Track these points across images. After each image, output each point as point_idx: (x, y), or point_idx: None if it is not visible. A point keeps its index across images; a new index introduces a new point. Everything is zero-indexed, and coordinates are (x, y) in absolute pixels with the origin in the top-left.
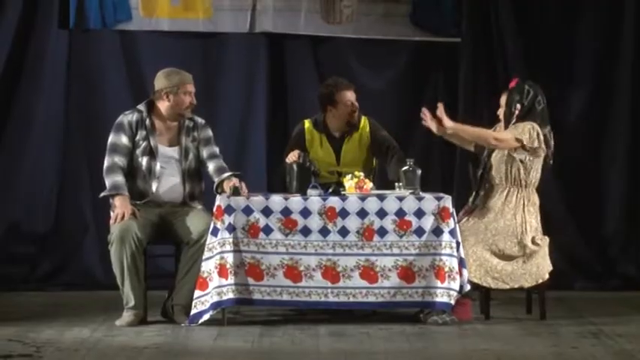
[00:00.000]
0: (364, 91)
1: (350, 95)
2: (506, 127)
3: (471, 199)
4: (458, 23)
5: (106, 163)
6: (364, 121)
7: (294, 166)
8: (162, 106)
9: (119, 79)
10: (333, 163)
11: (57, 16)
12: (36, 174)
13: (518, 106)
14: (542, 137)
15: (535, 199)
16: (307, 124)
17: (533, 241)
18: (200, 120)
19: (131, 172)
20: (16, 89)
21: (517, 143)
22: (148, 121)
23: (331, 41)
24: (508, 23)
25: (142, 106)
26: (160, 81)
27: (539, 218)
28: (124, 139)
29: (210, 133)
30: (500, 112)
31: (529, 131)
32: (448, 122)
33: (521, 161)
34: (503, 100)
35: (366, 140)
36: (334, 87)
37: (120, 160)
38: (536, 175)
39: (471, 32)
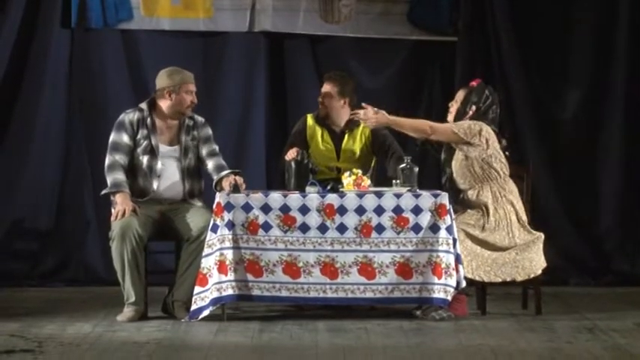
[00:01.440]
0: (362, 89)
1: (324, 87)
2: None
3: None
4: (454, 22)
5: (107, 161)
6: None
7: (293, 164)
8: (164, 104)
9: (120, 77)
10: (333, 157)
11: (59, 15)
12: (38, 172)
13: (474, 107)
14: (485, 134)
15: (511, 186)
16: (309, 118)
17: (524, 228)
18: (200, 118)
19: (132, 170)
20: (19, 88)
21: (453, 136)
22: (149, 120)
23: (330, 40)
24: (504, 22)
25: (143, 105)
26: (162, 79)
27: (521, 204)
28: (125, 138)
29: (209, 131)
30: (453, 106)
31: (469, 126)
32: (383, 117)
33: (482, 159)
34: (460, 95)
35: (366, 137)
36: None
37: (121, 158)
38: (501, 165)
39: (467, 31)
